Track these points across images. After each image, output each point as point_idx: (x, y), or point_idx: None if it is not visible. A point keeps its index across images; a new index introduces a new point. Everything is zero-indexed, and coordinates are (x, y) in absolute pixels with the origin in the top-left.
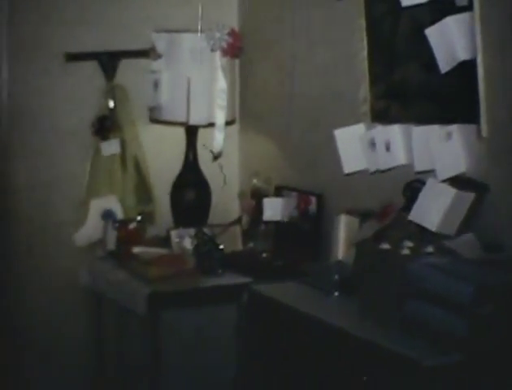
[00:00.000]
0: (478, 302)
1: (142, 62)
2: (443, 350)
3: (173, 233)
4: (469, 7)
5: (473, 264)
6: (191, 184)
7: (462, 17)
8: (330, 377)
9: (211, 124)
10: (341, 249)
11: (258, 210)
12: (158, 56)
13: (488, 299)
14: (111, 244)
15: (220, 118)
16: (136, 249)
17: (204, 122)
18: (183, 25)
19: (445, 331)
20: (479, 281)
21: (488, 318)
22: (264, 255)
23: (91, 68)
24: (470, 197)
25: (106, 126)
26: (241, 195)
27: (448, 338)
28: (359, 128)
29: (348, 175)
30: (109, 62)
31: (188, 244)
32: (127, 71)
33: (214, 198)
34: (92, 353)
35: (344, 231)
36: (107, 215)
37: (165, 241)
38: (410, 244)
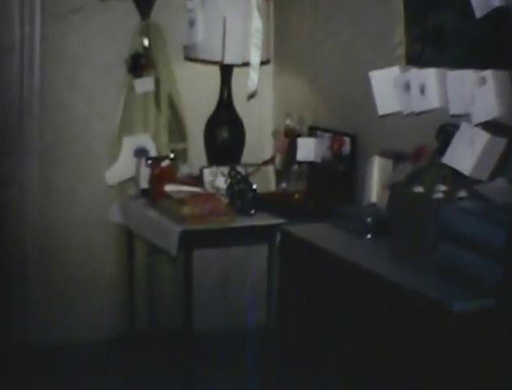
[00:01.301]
0: (511, 247)
1: (178, 0)
2: (474, 295)
3: (206, 172)
4: None
5: (506, 209)
6: (225, 123)
7: None
8: (360, 318)
9: (246, 64)
10: (374, 191)
11: (292, 149)
12: None
13: None
14: (144, 183)
15: (255, 57)
16: (169, 188)
17: (239, 61)
18: None
19: (478, 275)
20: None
21: None
22: (297, 196)
23: (126, 6)
24: (503, 142)
25: (140, 64)
26: (275, 134)
27: (480, 282)
28: (394, 71)
29: (382, 117)
30: (145, 0)
31: (221, 183)
32: (162, 9)
33: (248, 137)
34: (123, 289)
35: (377, 174)
36: (140, 153)
37: (198, 180)
38: (443, 188)
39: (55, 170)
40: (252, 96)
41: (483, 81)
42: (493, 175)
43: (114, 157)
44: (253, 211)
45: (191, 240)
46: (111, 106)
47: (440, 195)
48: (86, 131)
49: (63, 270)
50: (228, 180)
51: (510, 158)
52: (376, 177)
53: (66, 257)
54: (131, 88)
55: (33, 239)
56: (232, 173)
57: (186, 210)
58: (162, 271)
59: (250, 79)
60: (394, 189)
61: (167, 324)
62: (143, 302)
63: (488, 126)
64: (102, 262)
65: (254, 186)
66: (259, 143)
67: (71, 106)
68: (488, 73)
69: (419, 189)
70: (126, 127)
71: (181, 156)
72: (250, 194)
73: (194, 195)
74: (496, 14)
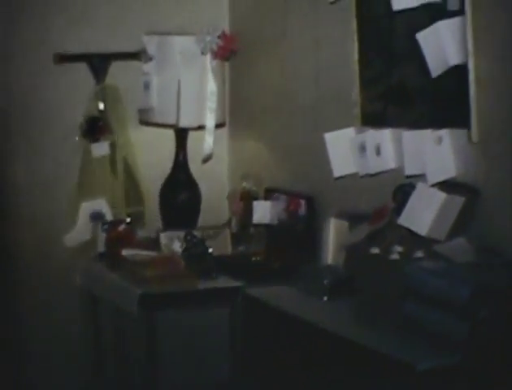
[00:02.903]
0: (475, 304)
1: (134, 63)
2: (440, 353)
3: (162, 236)
4: (460, 12)
5: (468, 267)
6: (181, 186)
7: (454, 21)
8: (323, 381)
9: (201, 127)
10: (331, 253)
11: (248, 212)
12: (149, 58)
13: (486, 301)
14: (101, 247)
15: (210, 120)
16: (125, 252)
17: (194, 124)
18: (175, 27)
19: (443, 333)
20: (476, 283)
21: (486, 320)
22: (254, 258)
23: (82, 69)
24: (460, 201)
25: (95, 128)
26: (230, 197)
27: (446, 340)
28: (349, 132)
29: (338, 178)
30: (99, 64)
31: (177, 246)
32: (118, 72)
33: (204, 200)
34: (89, 352)
35: (333, 235)
36: (96, 217)
37: (155, 243)
38: (399, 249)
39: (20, 230)
40: (207, 159)
41: (439, 140)
42: (452, 235)
43: (72, 220)
44: (214, 274)
45: (151, 303)
46: (68, 171)
47: (396, 256)
48: (43, 196)
49: (26, 335)
50: (184, 244)
51: (468, 216)
52: (332, 238)
53: (30, 318)
54: (87, 152)
55: None
56: (188, 237)
57: (146, 272)
58: (127, 334)
59: (206, 142)
60: (350, 251)
61: (134, 381)
62: (109, 367)
63: (445, 185)
64: (68, 322)
65: (210, 250)
66: (216, 206)
67: (28, 172)
68: (444, 132)
69: (376, 250)
70: (83, 192)
71: (138, 220)
72: (207, 257)
73: (155, 257)
74: (452, 71)
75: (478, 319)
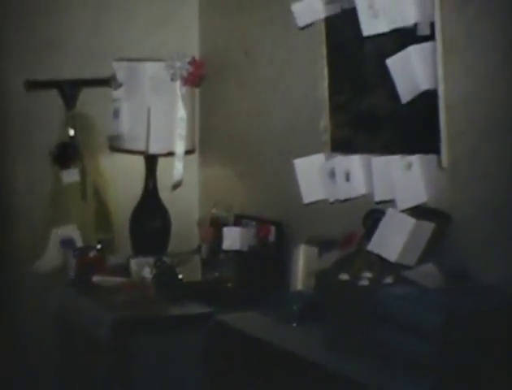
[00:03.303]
0: (446, 329)
1: (104, 90)
2: (411, 378)
3: (132, 262)
4: (431, 37)
5: (439, 292)
6: (150, 213)
7: (424, 47)
8: None
9: (171, 153)
10: (301, 279)
11: (218, 239)
12: (119, 85)
13: (457, 326)
14: (72, 273)
15: (180, 147)
16: (96, 278)
17: (163, 151)
18: (145, 54)
19: (414, 358)
20: (446, 308)
21: (456, 344)
22: (224, 285)
23: (52, 96)
24: (430, 226)
25: (65, 154)
26: (200, 224)
27: (417, 365)
28: (319, 158)
29: (307, 204)
30: (70, 90)
31: (147, 273)
32: (89, 98)
33: (174, 227)
34: (60, 378)
35: (303, 261)
36: (66, 244)
37: (125, 269)
38: (368, 275)
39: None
40: (177, 186)
41: (409, 166)
42: (421, 261)
43: (42, 248)
44: (181, 301)
45: (121, 330)
46: (39, 197)
47: (365, 282)
48: (14, 222)
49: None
50: (154, 271)
51: (438, 242)
52: (302, 265)
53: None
54: (57, 178)
55: None
56: (158, 263)
57: (115, 297)
58: (98, 361)
59: (175, 168)
60: (320, 277)
61: None
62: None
63: (415, 211)
64: (38, 353)
65: (180, 276)
66: (186, 232)
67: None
68: (414, 158)
69: (345, 277)
70: (53, 218)
71: (108, 246)
72: (177, 284)
73: (123, 283)
74: (422, 97)
75: (448, 344)
